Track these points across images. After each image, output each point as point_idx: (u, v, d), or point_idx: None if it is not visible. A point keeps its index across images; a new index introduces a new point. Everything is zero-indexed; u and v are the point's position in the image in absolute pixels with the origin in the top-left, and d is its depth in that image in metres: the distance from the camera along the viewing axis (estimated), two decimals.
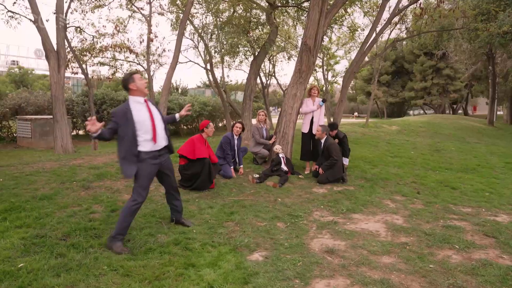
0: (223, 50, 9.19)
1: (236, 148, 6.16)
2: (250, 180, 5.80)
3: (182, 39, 8.03)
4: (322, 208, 4.75)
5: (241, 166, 6.21)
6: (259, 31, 9.63)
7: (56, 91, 7.62)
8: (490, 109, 22.01)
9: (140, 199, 3.32)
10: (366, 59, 14.44)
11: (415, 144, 10.97)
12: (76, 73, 15.55)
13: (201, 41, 10.37)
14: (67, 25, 10.28)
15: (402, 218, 4.39)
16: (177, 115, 3.87)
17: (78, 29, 10.90)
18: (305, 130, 6.55)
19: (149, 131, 3.30)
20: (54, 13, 8.06)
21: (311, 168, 6.63)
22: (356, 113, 46.60)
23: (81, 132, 17.00)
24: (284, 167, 6.22)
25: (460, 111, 40.55)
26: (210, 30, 9.87)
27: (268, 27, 9.26)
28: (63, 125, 7.71)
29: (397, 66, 38.96)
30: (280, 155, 6.31)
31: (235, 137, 6.12)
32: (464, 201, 5.27)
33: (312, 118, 6.46)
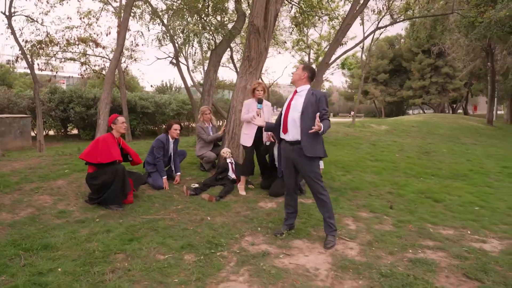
0: (177, 37, 8.12)
1: (172, 153, 5.07)
2: (184, 192, 4.71)
3: (128, 24, 6.95)
4: (258, 231, 3.66)
5: (178, 173, 5.11)
6: (220, 17, 8.51)
7: None
8: (489, 108, 20.84)
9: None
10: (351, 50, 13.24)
11: (403, 146, 9.86)
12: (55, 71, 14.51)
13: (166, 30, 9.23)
14: (13, 13, 9.21)
15: (358, 247, 3.29)
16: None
17: (29, 18, 9.80)
18: (248, 143, 4.83)
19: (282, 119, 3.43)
20: None
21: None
22: (352, 112, 45.43)
23: (51, 133, 15.85)
24: (231, 174, 5.13)
25: (460, 111, 39.33)
26: (164, 16, 8.76)
27: (231, 13, 8.17)
28: None
29: (395, 65, 37.79)
30: (228, 160, 5.22)
31: (171, 141, 5.02)
32: (447, 219, 4.17)
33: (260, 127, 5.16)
